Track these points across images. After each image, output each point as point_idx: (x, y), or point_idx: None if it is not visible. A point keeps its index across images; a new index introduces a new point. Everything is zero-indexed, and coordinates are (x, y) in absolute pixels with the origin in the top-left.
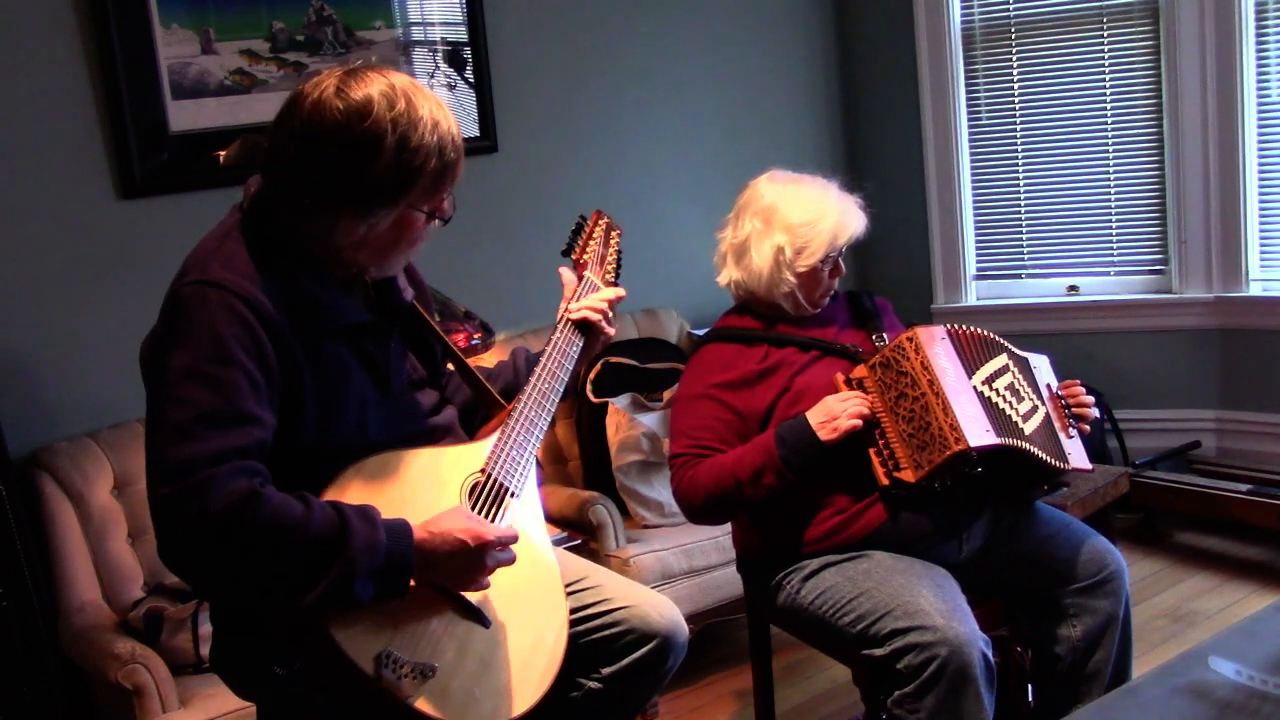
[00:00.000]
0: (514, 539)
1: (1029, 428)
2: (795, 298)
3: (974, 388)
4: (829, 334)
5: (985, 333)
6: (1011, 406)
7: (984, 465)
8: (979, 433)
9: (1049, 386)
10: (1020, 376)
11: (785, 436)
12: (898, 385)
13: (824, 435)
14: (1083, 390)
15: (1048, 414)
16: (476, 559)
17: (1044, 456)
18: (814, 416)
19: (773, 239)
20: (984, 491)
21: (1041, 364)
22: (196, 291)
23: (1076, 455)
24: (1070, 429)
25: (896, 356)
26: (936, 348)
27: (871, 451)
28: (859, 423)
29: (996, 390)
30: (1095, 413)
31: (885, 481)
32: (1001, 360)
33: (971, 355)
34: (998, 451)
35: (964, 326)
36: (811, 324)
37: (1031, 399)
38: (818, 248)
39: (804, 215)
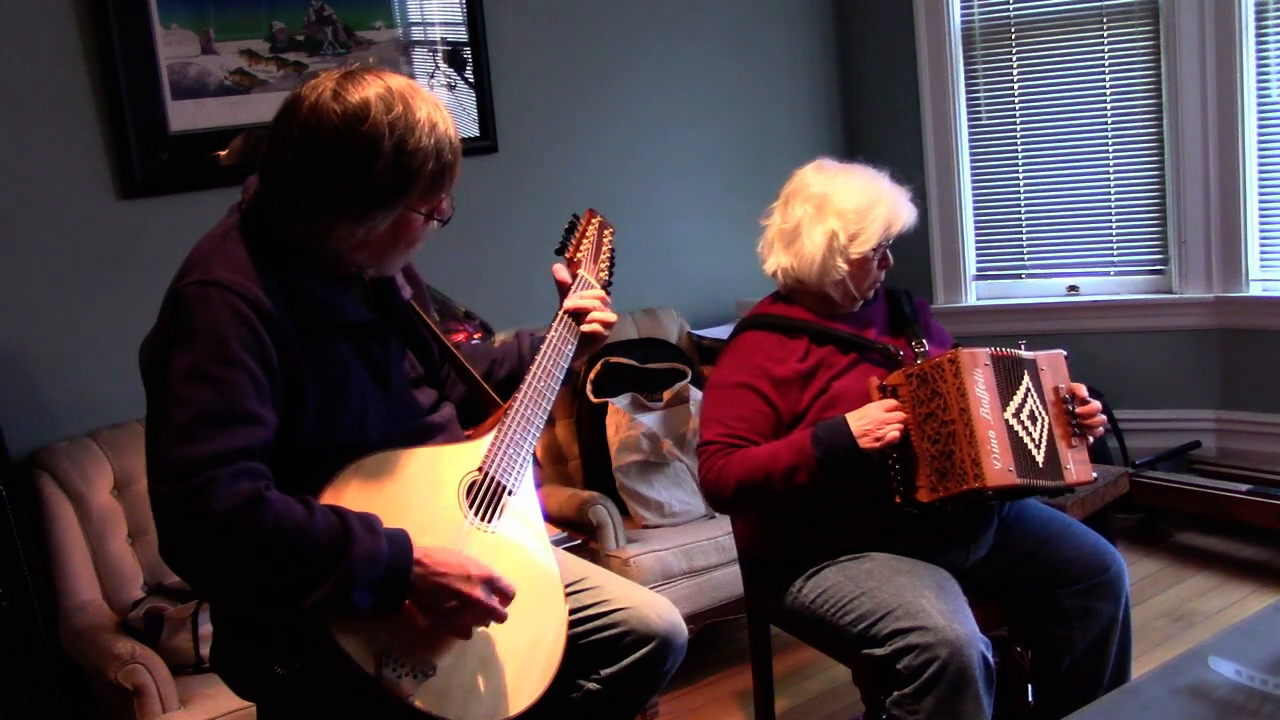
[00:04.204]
0: (512, 594)
1: (1041, 456)
2: (845, 286)
3: (1005, 421)
4: (869, 335)
5: (1013, 352)
6: (1029, 436)
7: (998, 497)
8: (1001, 472)
9: (1056, 389)
10: (1035, 394)
11: (822, 438)
12: (930, 404)
13: (864, 444)
14: (1096, 406)
15: (1050, 427)
16: (473, 590)
17: (1049, 485)
18: (855, 422)
19: (826, 224)
20: (993, 506)
21: (1053, 363)
22: (198, 291)
23: (1076, 469)
24: (1074, 438)
25: (934, 375)
26: (976, 374)
27: (890, 463)
28: (898, 436)
29: (1021, 422)
30: (1102, 430)
31: (898, 498)
32: (1025, 384)
33: (1006, 384)
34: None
35: (1002, 349)
36: (853, 323)
37: (1041, 416)
38: (872, 234)
39: (858, 201)
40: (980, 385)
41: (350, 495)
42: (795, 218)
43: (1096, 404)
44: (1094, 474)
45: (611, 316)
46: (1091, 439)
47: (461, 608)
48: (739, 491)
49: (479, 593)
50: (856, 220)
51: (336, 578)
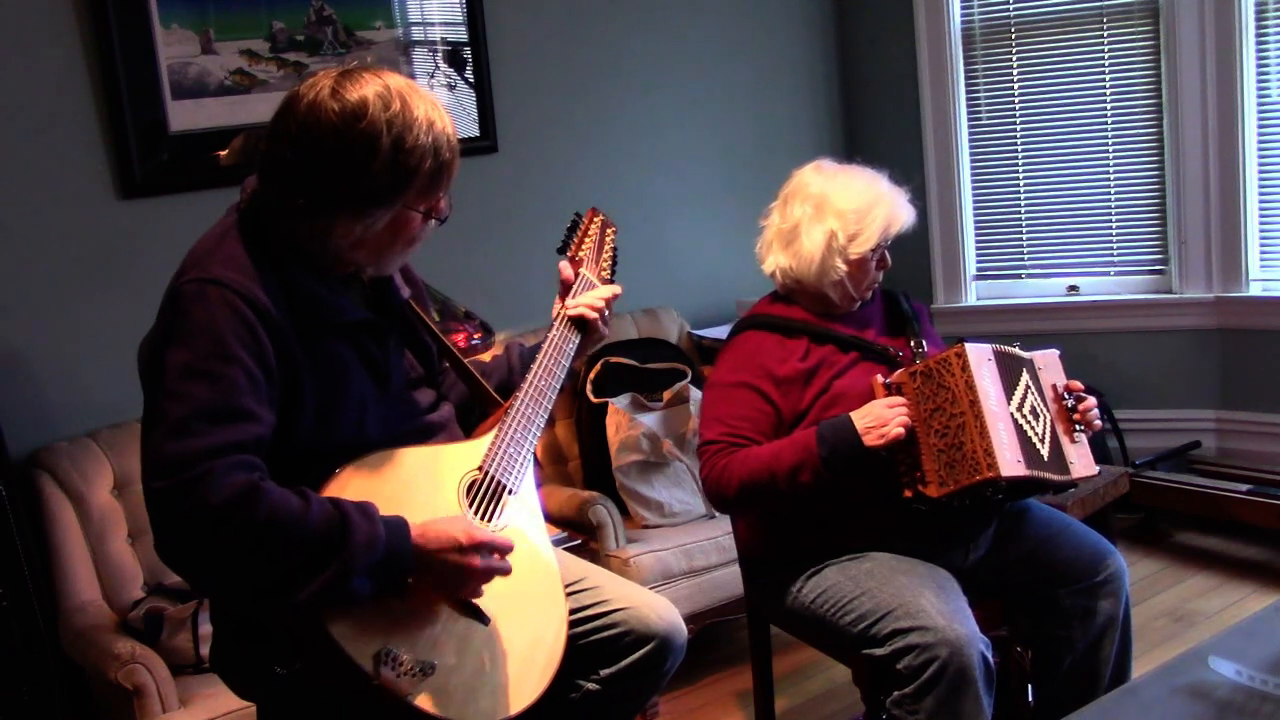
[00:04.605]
0: (509, 548)
1: (1045, 450)
2: (844, 287)
3: (1011, 414)
4: (867, 336)
5: (1013, 350)
6: (1033, 431)
7: (1005, 492)
8: (1011, 462)
9: (1054, 386)
10: (1035, 391)
11: (827, 436)
12: (936, 399)
13: (869, 440)
14: (1092, 403)
15: (1053, 423)
16: (470, 559)
17: (1055, 479)
18: (860, 419)
19: (825, 224)
20: (995, 504)
21: (1049, 362)
22: (196, 289)
23: (1080, 463)
24: (1075, 433)
25: (941, 370)
26: (983, 369)
27: (897, 460)
28: (903, 431)
29: (1024, 417)
30: (1099, 423)
31: (908, 493)
32: (1025, 380)
33: (1008, 379)
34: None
35: (1000, 346)
36: (850, 323)
37: (1043, 412)
38: (871, 235)
39: (858, 202)
40: (987, 378)
41: (350, 493)
42: (794, 218)
43: (1092, 399)
44: (1097, 468)
45: (599, 302)
46: (1090, 433)
47: (463, 577)
48: (742, 491)
49: (476, 561)
50: (856, 220)
51: (335, 566)
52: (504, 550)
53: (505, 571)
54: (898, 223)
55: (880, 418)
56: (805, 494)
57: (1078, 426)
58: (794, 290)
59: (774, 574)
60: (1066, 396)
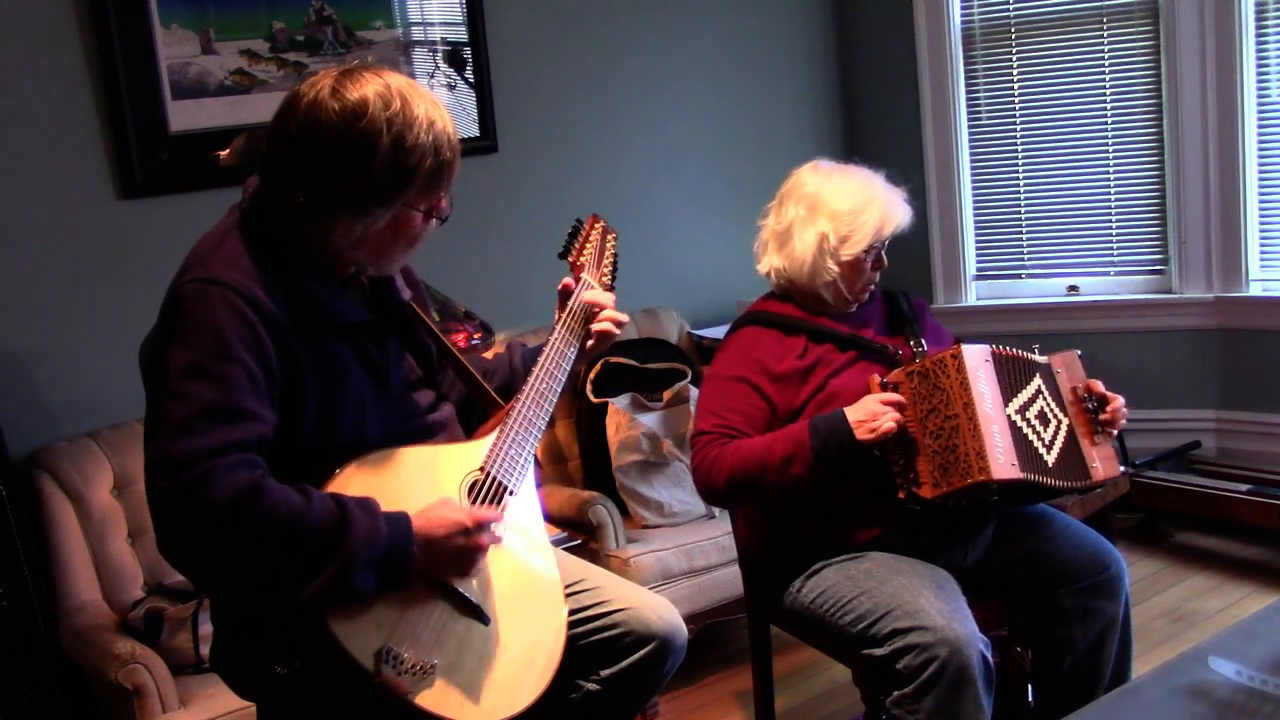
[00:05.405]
0: (498, 519)
1: (1052, 456)
2: (837, 288)
3: (1008, 417)
4: (866, 335)
5: (1022, 353)
6: (1038, 436)
7: (1001, 494)
8: (1005, 466)
9: (1074, 389)
10: (1049, 396)
11: (820, 429)
12: (931, 400)
13: (861, 435)
14: (1118, 404)
15: (1070, 428)
16: (475, 539)
17: (1062, 485)
18: (853, 414)
19: (817, 226)
20: (992, 505)
21: (1069, 363)
22: (198, 288)
23: (1103, 465)
24: (1096, 435)
25: (936, 371)
26: (978, 371)
27: (892, 460)
28: (895, 426)
29: (1027, 420)
30: (1123, 421)
31: (901, 494)
32: (1034, 385)
33: (1009, 381)
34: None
35: (1005, 347)
36: (849, 322)
37: (1056, 417)
38: (862, 237)
39: (849, 203)
40: (983, 381)
41: (351, 492)
42: (788, 218)
43: (1119, 400)
44: (1122, 468)
45: (624, 316)
46: (1114, 432)
47: (470, 557)
48: (731, 481)
49: (482, 540)
50: (848, 222)
51: (337, 561)
52: (494, 520)
53: (498, 540)
54: (891, 224)
55: (873, 412)
56: (795, 488)
57: (1099, 428)
58: (789, 290)
59: (774, 573)
60: (1087, 398)
